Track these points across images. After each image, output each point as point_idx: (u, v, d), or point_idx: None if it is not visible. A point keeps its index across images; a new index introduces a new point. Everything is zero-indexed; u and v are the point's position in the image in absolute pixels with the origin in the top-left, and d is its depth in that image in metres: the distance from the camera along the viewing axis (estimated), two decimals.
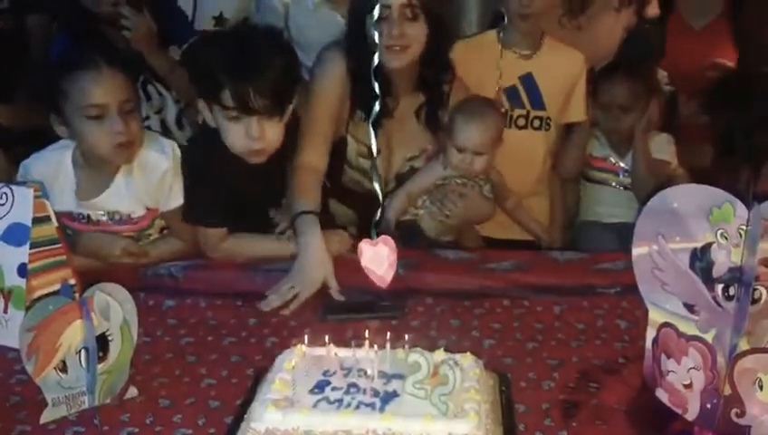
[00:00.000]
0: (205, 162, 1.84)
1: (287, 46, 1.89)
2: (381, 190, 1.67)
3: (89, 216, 1.85)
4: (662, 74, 2.34)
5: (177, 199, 1.86)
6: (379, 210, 1.65)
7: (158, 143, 1.87)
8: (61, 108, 1.74)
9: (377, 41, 1.66)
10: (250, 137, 1.72)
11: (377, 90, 1.54)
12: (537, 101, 2.20)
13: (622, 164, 2.29)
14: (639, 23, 2.40)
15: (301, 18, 2.38)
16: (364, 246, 1.60)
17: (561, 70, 2.21)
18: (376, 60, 1.54)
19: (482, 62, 2.17)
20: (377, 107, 1.58)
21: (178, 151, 1.88)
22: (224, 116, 1.73)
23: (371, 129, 1.62)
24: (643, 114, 2.20)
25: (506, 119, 2.15)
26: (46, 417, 1.22)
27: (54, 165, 1.82)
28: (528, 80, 2.19)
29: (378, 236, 1.61)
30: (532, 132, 2.22)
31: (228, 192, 1.84)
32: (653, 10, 2.40)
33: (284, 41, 1.95)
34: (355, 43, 1.91)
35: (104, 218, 1.85)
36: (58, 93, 1.73)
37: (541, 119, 2.22)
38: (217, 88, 1.70)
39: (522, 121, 2.22)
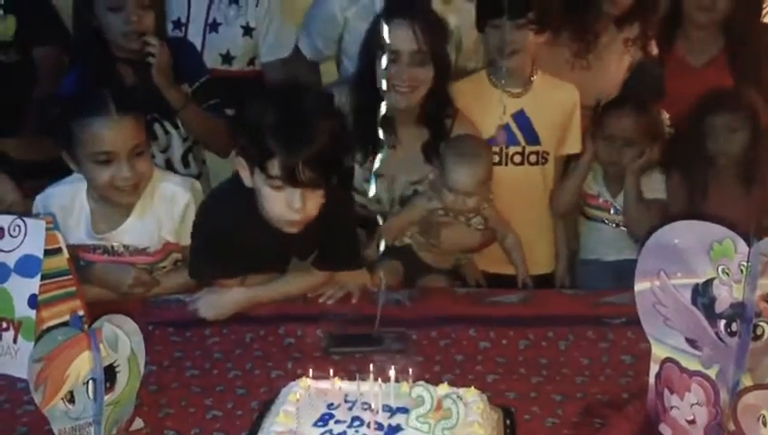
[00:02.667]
0: (228, 219, 1.76)
1: (338, 113, 1.84)
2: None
3: (105, 247, 1.87)
4: (664, 115, 2.36)
5: None
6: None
7: (176, 177, 1.91)
8: (71, 148, 1.77)
9: (384, 86, 1.68)
10: (291, 208, 1.65)
11: (381, 136, 1.55)
12: (531, 137, 2.23)
13: (614, 202, 2.28)
14: (643, 60, 2.43)
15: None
16: None
17: (553, 103, 2.24)
18: (383, 109, 1.54)
19: (476, 103, 2.18)
20: (380, 156, 1.58)
21: (198, 186, 1.90)
22: (265, 183, 1.64)
23: (373, 176, 1.65)
24: (643, 152, 2.20)
25: (501, 156, 2.19)
26: None
27: (69, 198, 1.85)
28: (521, 117, 2.21)
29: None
30: (528, 168, 2.25)
31: (246, 251, 1.77)
32: (655, 48, 2.44)
33: (336, 108, 1.92)
34: (362, 83, 1.96)
35: (120, 250, 1.87)
36: (69, 135, 1.75)
37: (537, 153, 2.24)
38: (265, 155, 1.60)
39: (518, 158, 2.23)
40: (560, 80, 2.29)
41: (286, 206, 1.64)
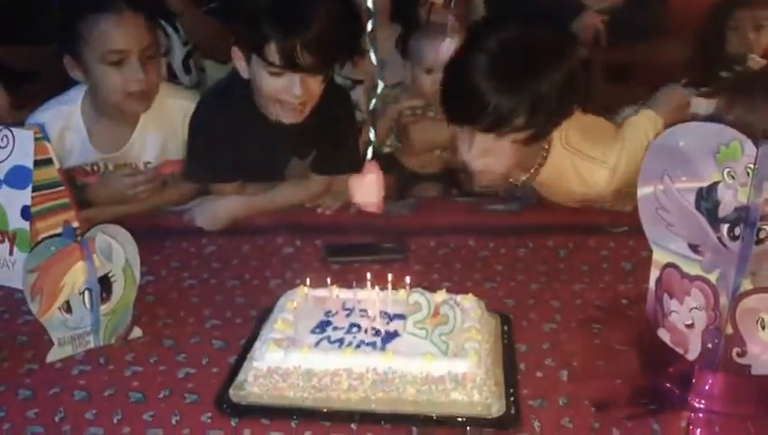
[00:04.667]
0: (226, 116, 1.72)
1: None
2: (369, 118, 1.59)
3: (105, 165, 1.82)
4: None
5: None
6: (369, 138, 1.55)
7: (179, 91, 1.85)
8: (78, 51, 1.68)
9: None
10: (290, 94, 1.61)
11: (370, 5, 1.46)
12: None
13: None
14: None
15: None
16: (354, 182, 1.53)
17: None
18: (370, 2, 1.47)
19: None
20: (370, 25, 1.48)
21: None
22: (264, 70, 1.60)
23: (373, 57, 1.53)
24: None
25: None
26: (52, 356, 1.23)
27: (64, 118, 1.79)
28: None
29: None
30: None
31: (244, 150, 1.73)
32: None
33: None
34: None
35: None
36: (75, 36, 1.66)
37: None
38: (262, 40, 1.56)
39: None
40: None
41: (285, 91, 1.61)
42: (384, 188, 1.50)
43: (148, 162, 1.84)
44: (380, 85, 1.49)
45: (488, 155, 1.56)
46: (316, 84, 1.64)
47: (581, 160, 1.67)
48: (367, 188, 1.52)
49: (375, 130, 1.44)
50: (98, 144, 1.80)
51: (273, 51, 1.57)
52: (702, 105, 2.05)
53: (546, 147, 1.65)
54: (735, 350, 1.07)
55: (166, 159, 1.85)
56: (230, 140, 1.71)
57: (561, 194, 1.77)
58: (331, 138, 1.76)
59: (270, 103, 1.66)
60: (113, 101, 1.72)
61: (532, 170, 1.70)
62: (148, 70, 1.69)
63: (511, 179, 1.74)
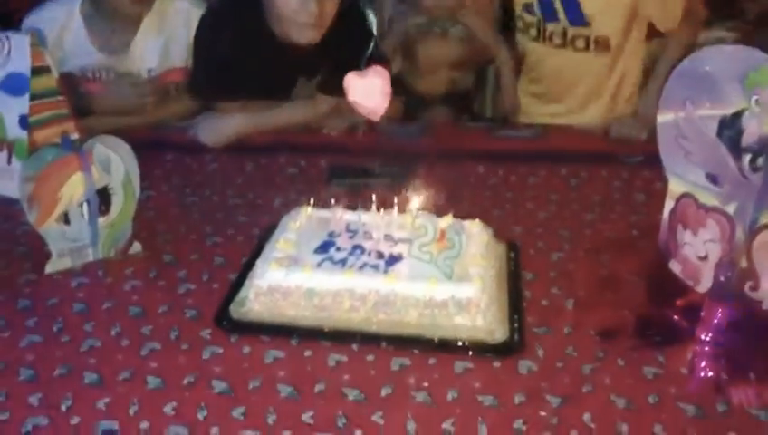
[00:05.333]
0: (233, 32, 1.64)
1: None
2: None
3: (107, 73, 1.77)
4: None
5: None
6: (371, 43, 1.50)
7: None
8: None
9: None
10: (306, 10, 1.54)
11: None
12: (575, 15, 1.83)
13: None
14: None
15: None
16: (352, 78, 1.38)
17: None
18: None
19: None
20: None
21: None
22: None
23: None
24: None
25: (539, 32, 1.88)
26: (51, 267, 1.22)
27: (62, 19, 1.73)
28: None
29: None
30: (575, 55, 1.85)
31: (251, 68, 1.66)
32: None
33: None
34: None
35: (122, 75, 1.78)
36: None
37: (586, 38, 1.84)
38: None
39: (558, 40, 1.86)
40: None
41: (302, 9, 1.55)
42: (387, 95, 1.37)
43: (151, 69, 1.79)
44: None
45: None
46: (332, 3, 1.57)
47: None
48: (367, 91, 1.38)
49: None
50: (98, 46, 1.75)
51: None
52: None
53: None
54: (749, 284, 1.04)
55: (169, 66, 1.80)
56: (237, 57, 1.64)
57: None
58: (341, 57, 1.69)
59: (284, 23, 1.60)
60: (112, 1, 1.68)
61: None
62: None
63: None
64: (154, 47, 1.78)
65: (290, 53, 1.65)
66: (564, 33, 1.85)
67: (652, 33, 1.90)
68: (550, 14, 1.86)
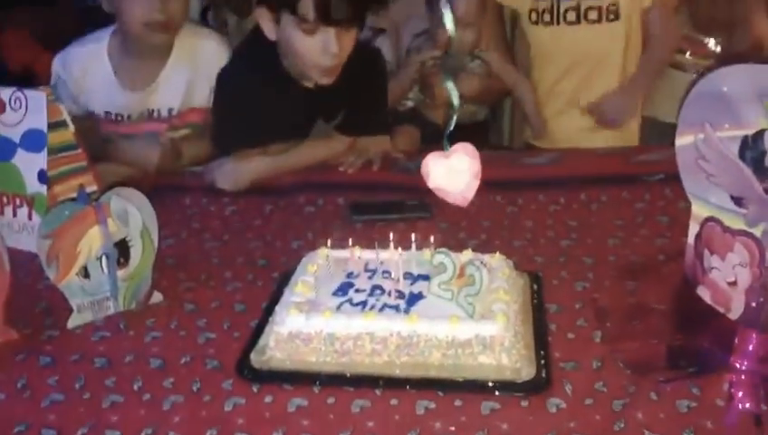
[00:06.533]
0: (253, 81, 1.67)
1: None
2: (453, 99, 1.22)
3: (129, 116, 1.81)
4: None
5: None
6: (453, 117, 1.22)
7: (212, 35, 1.84)
8: None
9: None
10: (327, 53, 1.55)
11: None
12: None
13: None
14: None
15: None
16: (431, 162, 1.19)
17: None
18: None
19: None
20: None
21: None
22: (296, 28, 1.54)
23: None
24: None
25: (553, 14, 1.96)
26: (73, 322, 1.21)
27: (89, 57, 1.80)
28: None
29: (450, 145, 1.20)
30: (589, 28, 1.94)
31: (271, 114, 1.68)
32: None
33: None
34: None
35: (144, 117, 1.82)
36: None
37: (599, 9, 1.93)
38: None
39: (572, 15, 1.95)
40: None
41: (321, 51, 1.56)
42: (478, 179, 1.18)
43: (172, 108, 1.83)
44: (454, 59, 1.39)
45: None
46: (350, 40, 1.58)
47: None
48: (453, 173, 1.17)
49: (456, 95, 1.14)
50: (123, 83, 1.80)
51: (307, 4, 1.51)
52: None
53: None
54: None
55: (190, 105, 1.83)
56: (258, 105, 1.66)
57: None
58: (360, 99, 1.70)
59: (304, 66, 1.61)
60: (134, 32, 1.73)
61: None
62: (169, 1, 1.70)
63: None
64: (178, 86, 1.81)
65: (308, 97, 1.66)
66: (578, 7, 1.93)
67: None
68: None
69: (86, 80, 1.80)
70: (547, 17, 1.96)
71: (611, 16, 1.93)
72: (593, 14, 1.94)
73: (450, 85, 1.15)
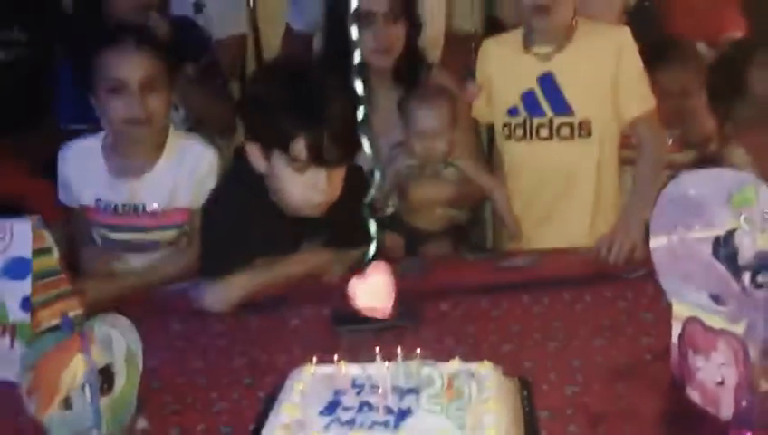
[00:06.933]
0: (240, 210, 1.69)
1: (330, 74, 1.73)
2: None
3: (116, 206, 1.89)
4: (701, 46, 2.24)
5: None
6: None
7: (198, 139, 1.94)
8: (91, 84, 1.84)
9: (354, 38, 1.60)
10: (316, 189, 1.59)
11: (360, 91, 1.44)
12: (559, 104, 1.95)
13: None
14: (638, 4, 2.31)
15: None
16: (355, 284, 1.40)
17: (592, 55, 1.93)
18: (357, 58, 1.43)
19: (503, 66, 2.03)
20: (362, 111, 1.47)
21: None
22: (287, 165, 1.58)
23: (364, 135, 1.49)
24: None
25: (526, 129, 1.98)
26: None
27: (86, 151, 1.92)
28: (546, 80, 1.95)
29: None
30: (561, 144, 1.96)
31: (258, 240, 1.70)
32: None
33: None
34: (334, 45, 1.90)
35: (129, 210, 1.89)
36: (90, 70, 1.83)
37: (571, 125, 1.95)
38: (287, 136, 1.54)
39: (544, 132, 1.97)
40: (606, 24, 2.04)
41: (311, 188, 1.58)
42: (392, 292, 1.37)
43: (157, 205, 1.88)
44: (377, 176, 1.44)
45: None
46: (339, 176, 1.62)
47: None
48: (373, 292, 1.38)
49: (377, 223, 1.35)
50: (114, 172, 1.90)
51: (300, 146, 1.55)
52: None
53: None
54: None
55: (175, 206, 1.89)
56: (243, 233, 1.68)
57: (579, 77, 1.89)
58: (346, 220, 1.73)
59: (293, 201, 1.64)
60: (116, 128, 1.85)
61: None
62: (148, 100, 1.80)
63: None
64: (165, 183, 1.89)
65: (295, 223, 1.70)
66: (551, 124, 1.96)
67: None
68: (535, 110, 1.97)
69: (80, 171, 1.91)
70: (520, 132, 1.99)
71: (583, 133, 1.95)
72: (565, 131, 1.96)
73: (367, 212, 1.36)
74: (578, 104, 1.95)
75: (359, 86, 1.34)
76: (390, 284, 1.38)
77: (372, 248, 1.36)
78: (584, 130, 1.96)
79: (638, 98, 1.95)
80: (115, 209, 1.90)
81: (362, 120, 1.44)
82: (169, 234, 1.92)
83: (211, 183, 1.86)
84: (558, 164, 1.98)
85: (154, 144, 1.89)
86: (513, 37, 2.02)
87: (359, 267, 1.38)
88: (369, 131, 1.48)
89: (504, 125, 2.02)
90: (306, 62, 2.00)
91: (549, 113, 1.97)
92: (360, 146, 1.59)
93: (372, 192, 1.40)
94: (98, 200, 1.91)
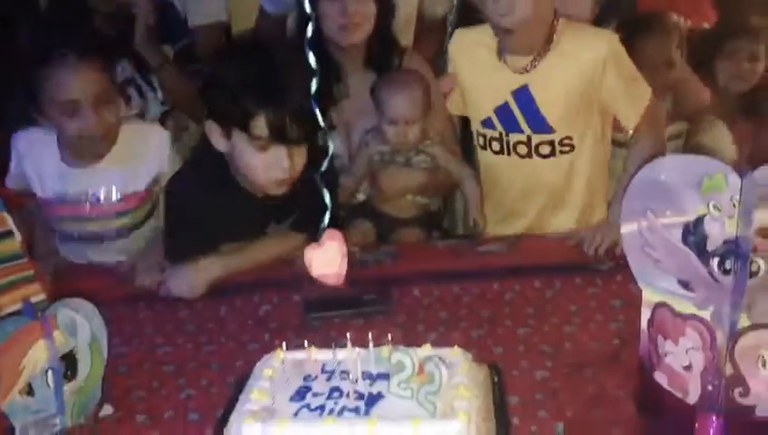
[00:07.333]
0: (204, 191, 1.67)
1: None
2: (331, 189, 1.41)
3: (73, 197, 1.84)
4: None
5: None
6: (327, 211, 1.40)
7: (150, 122, 2.01)
8: (39, 101, 1.75)
9: (325, 16, 1.67)
10: (279, 168, 1.58)
11: (313, 64, 1.41)
12: (537, 122, 1.80)
13: None
14: None
15: None
16: (310, 252, 1.37)
17: (573, 67, 1.76)
18: (309, 31, 1.40)
19: (475, 73, 1.89)
20: (314, 84, 1.43)
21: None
22: (249, 144, 1.57)
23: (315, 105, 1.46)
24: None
25: (503, 144, 1.85)
26: None
27: (40, 143, 1.85)
28: (522, 95, 1.79)
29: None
30: (542, 161, 1.83)
31: (223, 221, 1.68)
32: None
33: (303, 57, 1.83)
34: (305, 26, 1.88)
35: (90, 200, 1.85)
36: (36, 87, 1.73)
37: (551, 143, 1.81)
38: (247, 115, 1.54)
39: (523, 149, 1.82)
40: (591, 28, 1.86)
41: (273, 166, 1.58)
42: (345, 257, 1.36)
43: (113, 190, 1.85)
44: (330, 149, 1.41)
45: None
46: (302, 154, 1.61)
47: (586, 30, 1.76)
48: (326, 260, 1.37)
49: (330, 194, 1.35)
50: (70, 163, 1.85)
51: (261, 125, 1.54)
52: None
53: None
54: (738, 390, 1.02)
55: (134, 190, 1.86)
56: (209, 213, 1.66)
57: (555, 96, 1.75)
58: (311, 200, 1.71)
59: (256, 179, 1.63)
60: (71, 142, 1.80)
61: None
62: (103, 114, 1.74)
63: None
64: (118, 171, 1.84)
65: (260, 203, 1.68)
66: (529, 141, 1.82)
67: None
68: (512, 125, 1.82)
69: (35, 163, 1.85)
70: (496, 146, 1.86)
71: (566, 149, 1.82)
72: (545, 149, 1.82)
73: (320, 182, 1.33)
74: (558, 121, 1.80)
75: (311, 57, 1.31)
76: (344, 250, 1.37)
77: (326, 217, 1.35)
78: (566, 146, 1.81)
79: (634, 105, 1.79)
80: (72, 200, 1.85)
81: (316, 93, 1.41)
82: (127, 219, 1.87)
83: (164, 161, 1.86)
84: (540, 180, 1.86)
85: (108, 141, 1.84)
86: (488, 37, 1.82)
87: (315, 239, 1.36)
88: (322, 105, 1.46)
89: (479, 134, 1.90)
90: (267, 41, 1.96)
91: (527, 131, 1.82)
92: (319, 124, 1.59)
93: (326, 163, 1.37)
94: (56, 193, 1.86)
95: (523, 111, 1.80)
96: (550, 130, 1.81)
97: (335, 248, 1.36)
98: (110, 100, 1.77)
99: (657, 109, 1.88)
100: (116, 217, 1.87)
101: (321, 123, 1.37)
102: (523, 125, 1.82)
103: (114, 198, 1.85)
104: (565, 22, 1.79)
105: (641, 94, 1.80)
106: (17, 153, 1.89)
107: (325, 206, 1.35)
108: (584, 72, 1.76)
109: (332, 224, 1.38)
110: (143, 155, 1.86)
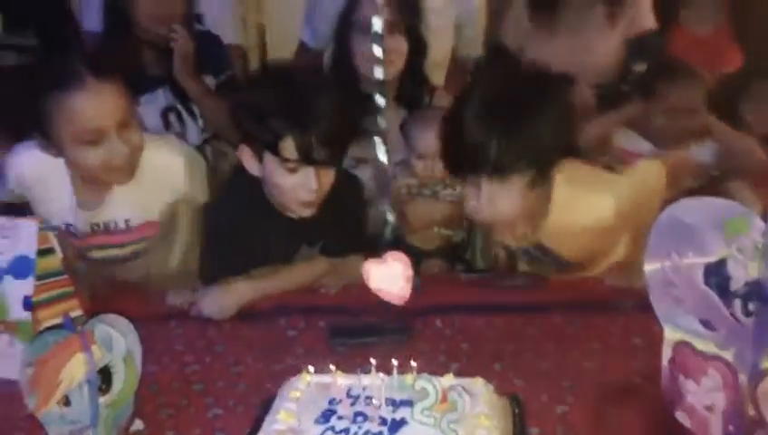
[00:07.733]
0: (240, 214, 1.72)
1: (337, 88, 1.76)
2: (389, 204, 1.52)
3: (87, 227, 1.78)
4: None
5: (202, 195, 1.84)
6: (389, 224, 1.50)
7: (162, 139, 1.84)
8: (47, 131, 1.59)
9: (358, 51, 1.72)
10: (306, 188, 1.63)
11: (382, 103, 1.47)
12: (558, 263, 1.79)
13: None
14: (640, 34, 2.33)
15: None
16: (370, 266, 1.41)
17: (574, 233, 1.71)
18: (379, 73, 1.46)
19: None
20: (382, 122, 1.48)
21: (185, 146, 1.91)
22: (278, 166, 1.62)
23: (379, 141, 1.49)
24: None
25: None
26: None
27: (49, 166, 1.70)
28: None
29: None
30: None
31: (256, 244, 1.73)
32: (650, 21, 2.31)
33: (332, 83, 1.84)
34: (341, 59, 1.92)
35: (97, 229, 1.79)
36: (42, 116, 1.58)
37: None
38: (277, 137, 1.59)
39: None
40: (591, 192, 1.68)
41: (301, 187, 1.63)
42: (410, 280, 1.36)
43: (128, 219, 1.80)
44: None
45: (495, 203, 1.57)
46: (329, 176, 1.67)
47: (585, 193, 1.66)
48: (388, 277, 1.38)
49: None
50: (80, 200, 1.75)
51: (290, 147, 1.59)
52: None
53: (549, 196, 1.65)
54: (759, 433, 1.03)
55: (146, 218, 1.82)
56: (244, 238, 1.72)
57: (568, 240, 1.71)
58: (342, 224, 1.76)
59: (285, 200, 1.69)
60: (95, 176, 1.67)
61: (539, 220, 1.68)
62: (129, 138, 1.61)
63: (520, 233, 1.73)
64: (131, 199, 1.76)
65: (292, 225, 1.73)
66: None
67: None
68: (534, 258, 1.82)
69: (45, 190, 1.73)
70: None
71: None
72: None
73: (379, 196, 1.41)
74: (576, 258, 1.78)
75: (380, 100, 1.42)
76: (409, 273, 1.37)
77: (388, 232, 1.43)
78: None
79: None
80: (82, 234, 1.78)
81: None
82: (141, 245, 1.85)
83: (180, 186, 1.81)
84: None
85: (131, 166, 1.69)
86: None
87: (374, 252, 1.40)
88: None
89: None
90: (296, 66, 2.00)
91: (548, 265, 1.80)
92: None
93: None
94: (67, 224, 1.77)
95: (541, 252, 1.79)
96: (569, 264, 1.78)
97: (399, 269, 1.38)
98: (131, 122, 1.64)
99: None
100: (128, 245, 1.84)
101: (382, 156, 1.45)
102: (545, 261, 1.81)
103: (125, 227, 1.80)
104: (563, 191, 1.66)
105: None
106: (19, 174, 1.75)
107: (388, 222, 1.44)
108: (583, 231, 1.71)
109: (370, 248, 1.43)
110: (156, 181, 1.77)
